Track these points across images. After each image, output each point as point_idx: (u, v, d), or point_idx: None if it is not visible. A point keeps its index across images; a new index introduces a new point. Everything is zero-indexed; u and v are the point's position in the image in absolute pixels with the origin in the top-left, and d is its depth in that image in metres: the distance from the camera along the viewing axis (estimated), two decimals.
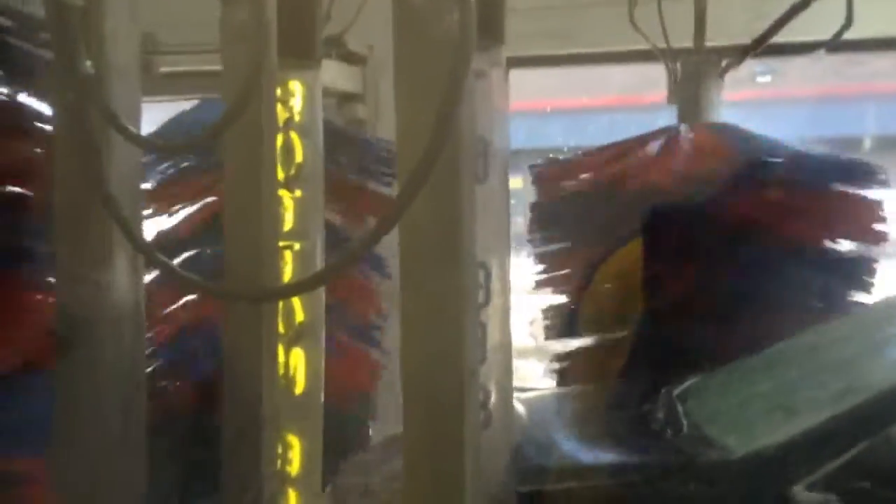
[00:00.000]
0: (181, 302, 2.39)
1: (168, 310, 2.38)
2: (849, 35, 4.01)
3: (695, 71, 4.11)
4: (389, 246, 1.71)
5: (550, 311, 3.50)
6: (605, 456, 2.12)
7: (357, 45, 4.05)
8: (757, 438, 2.00)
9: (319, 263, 2.04)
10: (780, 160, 3.59)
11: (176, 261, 2.19)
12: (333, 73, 3.54)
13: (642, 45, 4.41)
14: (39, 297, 1.88)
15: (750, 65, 4.24)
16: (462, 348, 1.70)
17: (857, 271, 3.59)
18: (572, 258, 3.53)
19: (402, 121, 1.77)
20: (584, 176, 3.60)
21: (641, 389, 2.61)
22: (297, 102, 2.00)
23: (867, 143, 7.03)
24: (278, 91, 1.96)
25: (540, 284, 3.47)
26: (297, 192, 2.00)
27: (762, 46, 4.19)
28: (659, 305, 3.37)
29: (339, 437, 2.38)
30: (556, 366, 3.40)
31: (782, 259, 3.45)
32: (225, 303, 2.02)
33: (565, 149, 3.93)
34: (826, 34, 4.12)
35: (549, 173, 3.69)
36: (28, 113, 1.88)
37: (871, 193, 3.67)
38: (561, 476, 2.00)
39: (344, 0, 2.93)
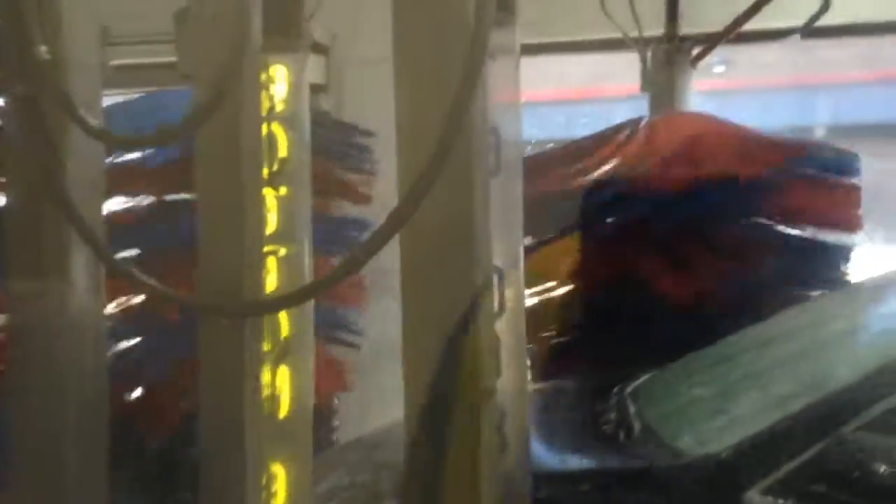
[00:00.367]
0: None
1: None
2: (824, 21, 3.94)
3: (667, 59, 4.00)
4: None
5: None
6: (560, 462, 2.11)
7: (319, 34, 3.83)
8: (708, 442, 1.98)
9: (307, 269, 1.82)
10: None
11: None
12: None
13: (614, 34, 4.30)
14: None
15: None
16: (477, 365, 1.52)
17: (835, 258, 3.53)
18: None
19: (402, 108, 1.58)
20: (552, 172, 3.49)
21: (592, 388, 2.62)
22: (280, 90, 1.78)
23: (820, 132, 7.02)
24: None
25: None
26: (282, 190, 1.78)
27: (734, 33, 4.10)
28: (599, 301, 3.31)
29: None
30: None
31: (748, 248, 3.38)
32: (199, 316, 1.80)
33: (531, 143, 3.81)
34: (801, 20, 4.05)
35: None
36: None
37: (849, 181, 3.62)
38: None
39: None
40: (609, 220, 3.43)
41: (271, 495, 1.73)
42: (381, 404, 3.27)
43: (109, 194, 2.15)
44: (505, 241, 1.57)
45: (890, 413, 1.86)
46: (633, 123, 3.56)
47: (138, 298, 2.72)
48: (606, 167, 3.42)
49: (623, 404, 2.31)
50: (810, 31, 3.87)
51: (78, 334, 1.91)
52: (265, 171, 1.75)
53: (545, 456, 2.06)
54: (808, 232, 3.47)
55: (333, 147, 3.04)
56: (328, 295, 2.53)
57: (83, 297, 1.91)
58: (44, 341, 1.92)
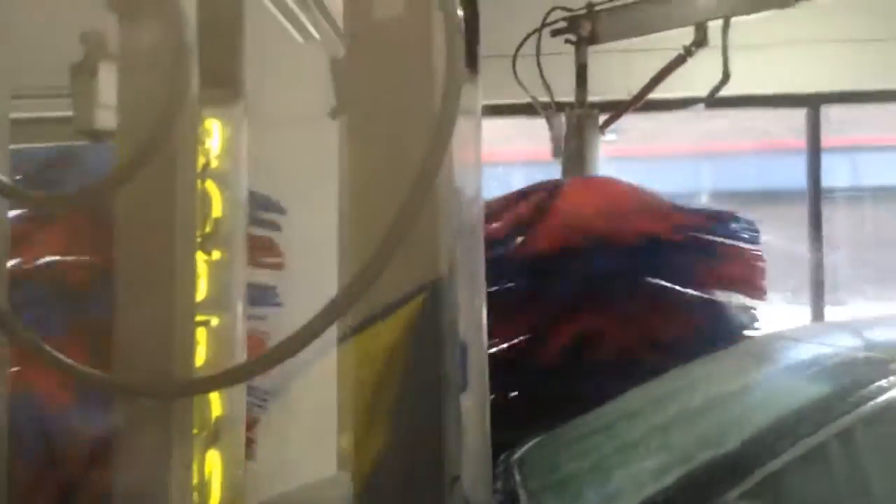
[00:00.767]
0: None
1: None
2: (730, 92, 4.08)
3: (577, 125, 4.04)
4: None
5: None
6: None
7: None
8: None
9: (240, 342, 1.66)
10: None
11: None
12: None
13: (524, 99, 4.33)
14: None
15: None
16: (441, 447, 1.39)
17: (741, 324, 3.59)
18: None
19: (356, 172, 1.46)
20: None
21: None
22: (215, 145, 1.63)
23: (704, 199, 7.29)
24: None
25: None
26: (215, 254, 1.62)
27: (641, 102, 4.20)
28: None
29: None
30: None
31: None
32: (115, 397, 1.60)
33: None
34: (698, 91, 4.18)
35: None
36: None
37: (754, 249, 3.71)
38: None
39: None
40: (508, 283, 3.39)
41: None
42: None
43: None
44: (468, 310, 1.46)
45: (769, 479, 1.85)
46: (550, 185, 3.56)
47: None
48: (516, 227, 3.40)
49: (509, 473, 2.26)
50: (712, 102, 4.00)
51: None
52: (197, 233, 1.59)
53: None
54: (716, 296, 3.52)
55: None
56: None
57: None
58: None
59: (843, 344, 2.41)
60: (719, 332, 3.43)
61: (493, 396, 3.12)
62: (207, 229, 1.61)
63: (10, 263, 2.49)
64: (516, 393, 3.20)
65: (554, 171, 4.09)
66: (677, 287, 3.45)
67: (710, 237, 3.49)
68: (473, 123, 1.50)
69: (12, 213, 2.38)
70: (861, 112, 6.39)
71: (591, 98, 4.13)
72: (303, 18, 3.11)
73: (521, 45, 4.11)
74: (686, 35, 3.94)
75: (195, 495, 1.56)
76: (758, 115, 7.05)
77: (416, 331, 1.33)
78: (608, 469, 2.17)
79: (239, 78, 1.67)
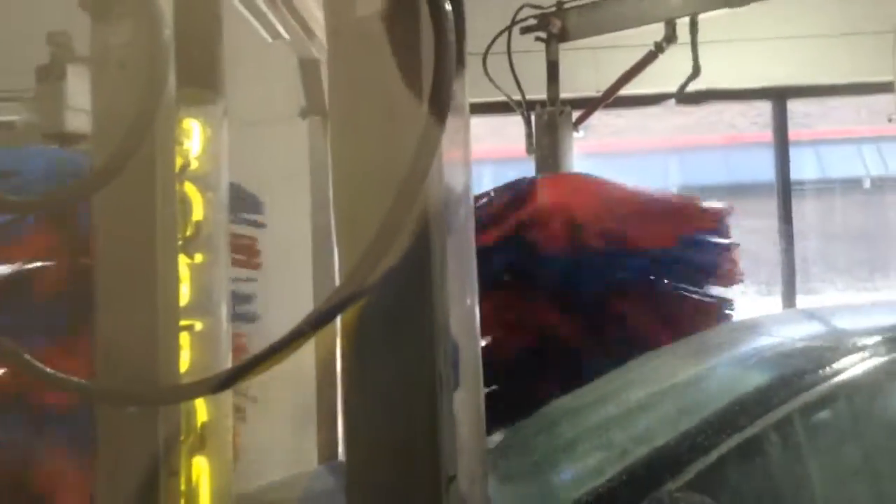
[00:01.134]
0: None
1: None
2: (699, 87, 4.11)
3: (550, 122, 4.04)
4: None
5: None
6: None
7: None
8: None
9: (225, 345, 1.63)
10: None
11: None
12: None
13: (493, 97, 4.33)
14: None
15: None
16: (436, 448, 1.37)
17: (718, 313, 3.61)
18: None
19: (342, 164, 1.44)
20: None
21: None
22: (194, 146, 1.59)
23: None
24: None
25: None
26: (197, 258, 1.58)
27: (612, 98, 4.21)
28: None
29: None
30: None
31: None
32: (96, 405, 1.56)
33: None
34: (668, 87, 4.20)
35: None
36: None
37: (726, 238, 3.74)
38: None
39: None
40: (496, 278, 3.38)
41: None
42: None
43: None
44: (459, 308, 1.44)
45: (706, 471, 1.86)
46: (525, 182, 3.55)
47: None
48: (500, 226, 3.39)
49: None
50: (682, 97, 4.02)
51: None
52: (179, 236, 1.55)
53: None
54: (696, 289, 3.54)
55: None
56: None
57: None
58: None
59: (789, 334, 2.42)
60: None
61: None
62: (189, 232, 1.58)
63: None
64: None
65: (524, 169, 4.09)
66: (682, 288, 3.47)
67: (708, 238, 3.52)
68: (462, 120, 1.48)
69: None
70: (825, 105, 6.48)
71: (562, 95, 4.14)
72: (271, 17, 3.08)
73: (491, 43, 4.10)
74: (655, 31, 3.96)
75: (183, 503, 1.53)
76: (724, 109, 7.13)
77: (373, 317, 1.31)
78: (549, 468, 2.17)
79: (218, 77, 1.63)
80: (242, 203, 3.10)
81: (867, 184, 6.96)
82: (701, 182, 7.83)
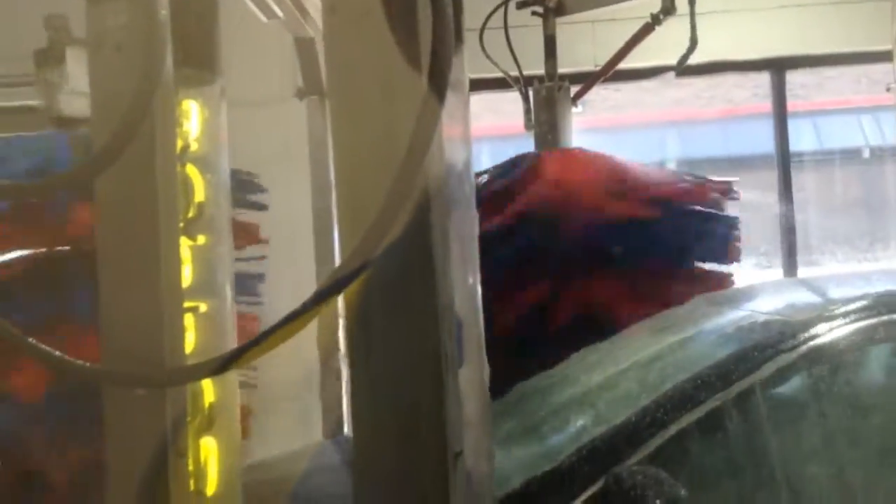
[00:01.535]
0: None
1: None
2: (697, 59, 4.09)
3: (548, 97, 4.02)
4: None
5: None
6: None
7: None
8: None
9: (230, 326, 1.63)
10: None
11: None
12: None
13: (490, 74, 4.31)
14: None
15: None
16: (443, 425, 1.37)
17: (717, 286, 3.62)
18: None
19: (342, 149, 1.43)
20: None
21: None
22: (193, 127, 1.59)
23: (671, 167, 7.36)
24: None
25: None
26: (200, 239, 1.58)
27: (611, 72, 4.19)
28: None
29: None
30: None
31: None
32: (103, 388, 1.57)
33: None
34: (667, 60, 4.19)
35: None
36: None
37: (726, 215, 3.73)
38: None
39: None
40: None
41: None
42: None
43: None
44: (461, 282, 1.44)
45: (665, 445, 1.87)
46: (528, 158, 3.55)
47: None
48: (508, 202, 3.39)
49: None
50: (680, 70, 4.00)
51: None
52: (181, 218, 1.55)
53: None
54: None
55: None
56: None
57: None
58: None
59: (757, 307, 2.40)
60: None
61: None
62: (191, 214, 1.58)
63: None
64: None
65: (522, 146, 4.08)
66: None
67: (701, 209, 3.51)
68: (461, 96, 1.47)
69: None
70: (822, 76, 6.45)
71: (560, 70, 4.12)
72: None
73: (488, 18, 4.08)
74: (653, 3, 3.93)
75: (192, 483, 1.54)
76: (721, 81, 7.10)
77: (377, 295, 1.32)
78: (510, 449, 2.17)
79: (215, 57, 1.63)
80: (243, 186, 3.10)
81: (866, 154, 6.95)
82: (700, 155, 7.81)
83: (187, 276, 1.58)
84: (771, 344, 2.01)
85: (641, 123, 7.62)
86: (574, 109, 4.09)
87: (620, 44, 4.05)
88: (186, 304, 1.56)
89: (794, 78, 5.53)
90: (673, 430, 1.89)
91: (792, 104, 5.45)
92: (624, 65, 4.11)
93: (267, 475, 2.61)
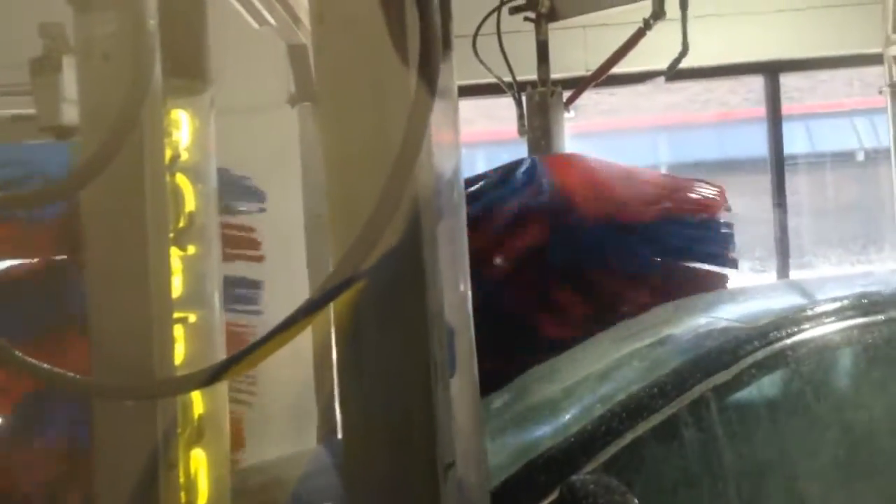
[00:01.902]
0: None
1: None
2: (690, 63, 4.10)
3: (541, 103, 4.02)
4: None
5: None
6: None
7: None
8: None
9: (220, 337, 1.62)
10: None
11: None
12: None
13: (483, 79, 4.31)
14: None
15: None
16: (434, 435, 1.36)
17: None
18: None
19: (332, 149, 1.43)
20: None
21: None
22: (183, 137, 1.58)
23: (664, 171, 7.37)
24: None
25: None
26: (190, 249, 1.57)
27: (603, 77, 4.19)
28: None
29: None
30: None
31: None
32: (92, 400, 1.56)
33: None
34: (659, 65, 4.19)
35: None
36: None
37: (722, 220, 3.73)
38: None
39: None
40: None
41: None
42: None
43: None
44: (452, 292, 1.44)
45: (620, 454, 1.86)
46: (523, 163, 3.55)
47: None
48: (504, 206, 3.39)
49: None
50: (672, 74, 4.01)
51: None
52: (171, 228, 1.54)
53: None
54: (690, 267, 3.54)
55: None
56: None
57: None
58: None
59: (722, 313, 2.38)
60: None
61: None
62: (180, 224, 1.57)
63: None
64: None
65: (517, 152, 4.08)
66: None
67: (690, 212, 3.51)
68: (450, 102, 1.47)
69: None
70: (815, 79, 6.46)
71: (553, 75, 4.12)
72: (257, 4, 3.05)
73: (480, 24, 4.08)
74: (644, 8, 3.94)
75: (182, 495, 1.53)
76: (714, 86, 7.11)
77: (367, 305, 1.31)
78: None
79: (204, 67, 1.62)
80: (239, 192, 3.09)
81: (860, 156, 6.97)
82: (693, 159, 7.82)
83: (177, 287, 1.57)
84: (726, 351, 2.00)
85: (635, 128, 7.62)
86: (566, 114, 4.09)
87: (612, 49, 4.05)
88: (176, 315, 1.55)
89: (787, 81, 5.54)
90: (628, 438, 1.88)
91: (786, 107, 5.46)
92: (616, 70, 4.11)
93: (263, 478, 2.61)
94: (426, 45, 1.27)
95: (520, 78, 4.18)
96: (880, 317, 2.09)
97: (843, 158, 7.00)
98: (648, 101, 7.44)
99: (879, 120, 5.95)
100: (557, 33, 4.24)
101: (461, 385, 1.43)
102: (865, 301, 2.14)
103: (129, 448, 1.49)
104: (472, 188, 3.53)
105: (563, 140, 4.01)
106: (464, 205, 1.50)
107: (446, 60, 1.43)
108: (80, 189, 1.50)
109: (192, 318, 1.58)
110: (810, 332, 2.03)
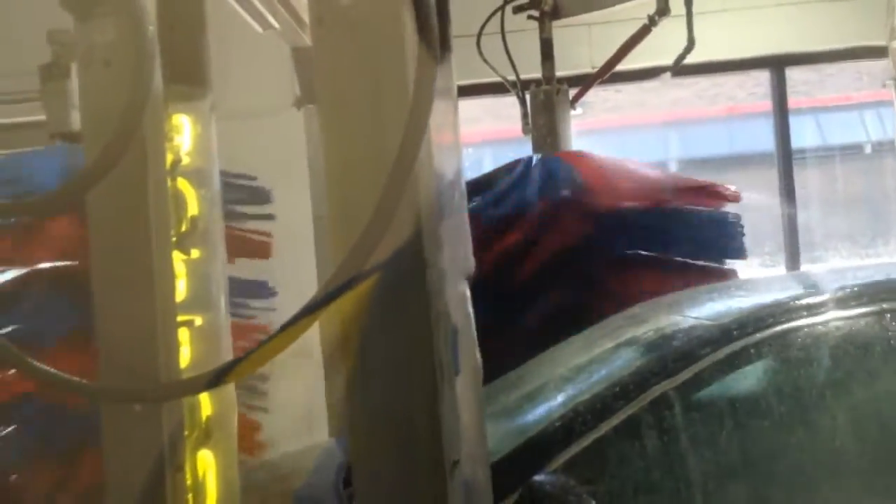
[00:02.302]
0: None
1: None
2: (696, 59, 4.08)
3: (546, 101, 4.02)
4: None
5: None
6: None
7: None
8: None
9: (225, 340, 1.63)
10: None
11: None
12: None
13: (488, 79, 4.31)
14: None
15: None
16: (438, 433, 1.37)
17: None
18: None
19: (333, 156, 1.44)
20: None
21: None
22: (185, 141, 1.59)
23: (673, 167, 7.34)
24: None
25: None
26: (194, 253, 1.59)
27: (608, 73, 4.19)
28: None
29: None
30: None
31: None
32: (102, 402, 1.57)
33: None
34: (665, 60, 4.18)
35: None
36: None
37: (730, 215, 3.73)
38: None
39: None
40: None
41: None
42: None
43: None
44: (454, 292, 1.44)
45: (581, 454, 1.86)
46: (526, 161, 3.55)
47: None
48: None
49: None
50: (678, 70, 4.00)
51: None
52: (174, 233, 1.56)
53: None
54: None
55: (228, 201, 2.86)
56: None
57: None
58: None
59: (694, 311, 2.34)
60: None
61: None
62: (183, 228, 1.58)
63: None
64: None
65: (525, 150, 4.07)
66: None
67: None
68: (450, 104, 1.47)
69: None
70: (823, 72, 6.44)
71: (558, 73, 4.12)
72: (261, 8, 3.07)
73: (485, 23, 4.07)
74: (649, 5, 3.93)
75: (190, 497, 1.54)
76: (722, 81, 7.09)
77: (377, 302, 1.31)
78: None
79: (205, 72, 1.63)
80: (250, 195, 3.10)
81: (868, 149, 6.93)
82: (701, 154, 7.79)
83: (181, 290, 1.58)
84: (688, 350, 1.99)
85: (643, 124, 7.60)
86: (573, 112, 4.08)
87: (617, 46, 4.04)
88: (181, 318, 1.56)
89: (795, 75, 5.52)
90: (590, 438, 1.87)
91: (794, 101, 5.44)
92: (621, 66, 4.10)
93: (273, 474, 2.62)
94: (424, 47, 1.28)
95: (526, 76, 4.18)
96: (849, 312, 2.05)
97: (852, 151, 6.96)
98: (656, 97, 7.42)
99: (887, 113, 5.92)
100: (562, 31, 4.24)
101: (465, 384, 1.44)
102: (837, 296, 2.10)
103: (137, 450, 1.51)
104: (494, 189, 3.54)
105: (569, 137, 4.00)
106: (465, 204, 1.50)
107: (445, 62, 1.44)
108: (84, 194, 1.51)
109: (198, 321, 1.59)
110: (772, 330, 1.99)
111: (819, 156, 6.74)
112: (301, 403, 4.01)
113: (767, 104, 5.47)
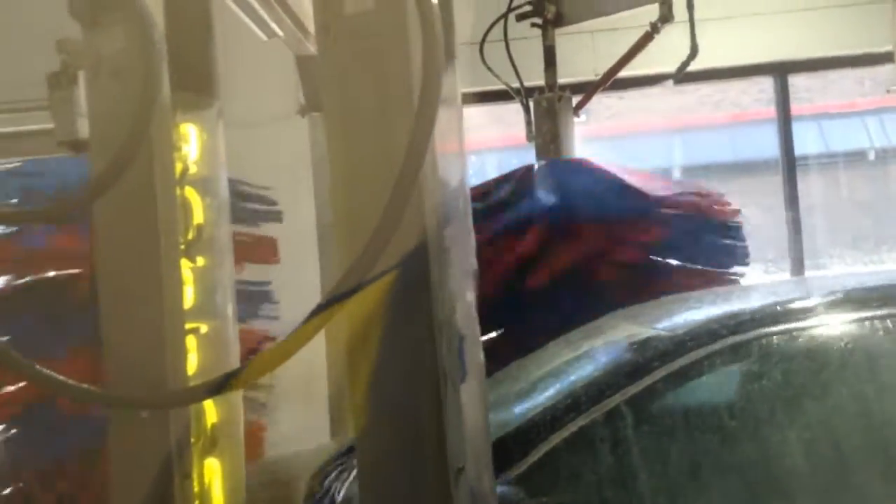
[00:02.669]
0: None
1: None
2: (699, 66, 4.09)
3: (549, 108, 4.03)
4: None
5: None
6: None
7: None
8: None
9: (233, 347, 1.64)
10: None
11: None
12: None
13: (492, 86, 4.32)
14: None
15: None
16: (444, 439, 1.37)
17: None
18: None
19: (338, 165, 1.44)
20: None
21: None
22: (192, 150, 1.60)
23: (676, 174, 7.34)
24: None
25: None
26: (200, 261, 1.59)
27: (611, 81, 4.19)
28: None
29: None
30: None
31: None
32: (109, 409, 1.58)
33: None
34: (668, 67, 4.19)
35: None
36: None
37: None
38: None
39: None
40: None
41: None
42: None
43: None
44: (460, 300, 1.45)
45: (535, 464, 1.86)
46: (528, 168, 3.57)
47: None
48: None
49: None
50: (681, 77, 4.00)
51: None
52: (181, 241, 1.57)
53: None
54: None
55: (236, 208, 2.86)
56: None
57: None
58: None
59: (657, 323, 2.33)
60: None
61: None
62: (190, 236, 1.59)
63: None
64: None
65: (530, 157, 4.08)
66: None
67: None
68: (454, 112, 1.48)
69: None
70: (826, 79, 6.44)
71: (561, 80, 4.13)
72: (265, 16, 3.08)
73: (488, 31, 4.09)
74: (651, 12, 3.94)
75: None
76: (725, 87, 7.09)
77: (387, 309, 1.32)
78: None
79: (212, 81, 1.64)
80: (255, 203, 3.12)
81: (871, 156, 6.93)
82: (705, 161, 7.80)
83: (188, 298, 1.59)
84: (641, 363, 1.98)
85: (646, 130, 7.61)
86: (577, 119, 4.09)
87: (620, 53, 4.05)
88: (188, 326, 1.57)
89: (798, 81, 5.52)
90: (542, 450, 1.88)
91: (797, 108, 5.44)
92: (625, 73, 4.11)
93: (280, 473, 2.62)
94: (428, 55, 1.29)
95: (530, 84, 4.19)
96: (803, 324, 2.02)
97: (855, 158, 6.96)
98: (660, 104, 7.42)
99: (890, 119, 5.93)
100: (566, 38, 4.25)
101: (471, 391, 1.44)
102: (794, 307, 2.09)
103: (144, 457, 1.51)
104: (497, 196, 3.55)
105: (572, 144, 4.01)
106: (470, 211, 1.51)
107: (449, 70, 1.45)
108: (92, 202, 1.52)
109: (204, 328, 1.60)
110: (726, 342, 1.97)
111: (823, 162, 6.74)
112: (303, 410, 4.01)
113: (771, 111, 5.47)
